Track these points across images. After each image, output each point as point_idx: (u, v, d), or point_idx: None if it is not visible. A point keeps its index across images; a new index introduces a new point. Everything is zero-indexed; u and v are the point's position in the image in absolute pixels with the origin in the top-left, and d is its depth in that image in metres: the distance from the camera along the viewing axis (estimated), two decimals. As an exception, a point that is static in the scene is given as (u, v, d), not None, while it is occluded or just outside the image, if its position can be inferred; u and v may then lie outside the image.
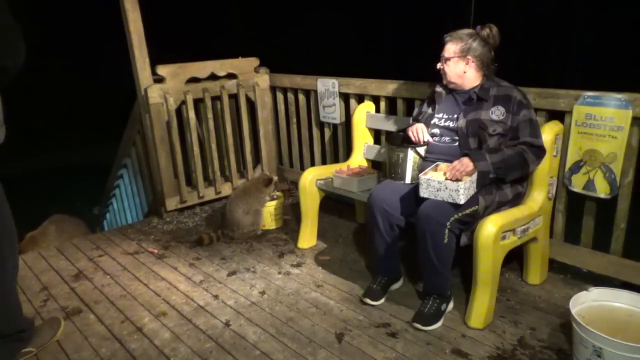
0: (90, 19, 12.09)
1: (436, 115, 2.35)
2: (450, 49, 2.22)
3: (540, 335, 2.04)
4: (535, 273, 2.41)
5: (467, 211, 2.04)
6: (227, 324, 2.22)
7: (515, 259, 2.54)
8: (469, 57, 2.19)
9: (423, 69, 2.87)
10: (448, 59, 2.22)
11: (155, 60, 3.35)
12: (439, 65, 2.28)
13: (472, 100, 2.23)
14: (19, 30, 1.68)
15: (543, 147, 2.15)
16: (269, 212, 3.25)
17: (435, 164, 2.19)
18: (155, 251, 3.04)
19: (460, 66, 2.21)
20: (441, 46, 2.27)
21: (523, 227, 2.16)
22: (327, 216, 3.36)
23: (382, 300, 2.32)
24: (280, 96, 3.83)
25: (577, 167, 2.29)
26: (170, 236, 3.27)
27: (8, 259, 1.88)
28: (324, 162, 3.65)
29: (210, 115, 3.52)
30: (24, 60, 1.72)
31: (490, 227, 2.00)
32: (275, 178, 3.28)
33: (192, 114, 3.42)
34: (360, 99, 3.24)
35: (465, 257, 2.18)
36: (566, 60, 11.02)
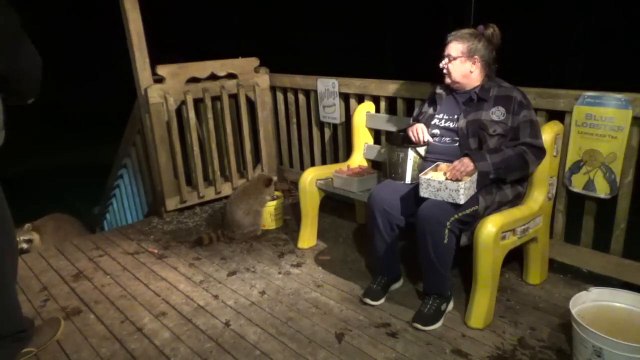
0: (90, 18, 12.10)
1: (436, 116, 2.35)
2: (457, 48, 2.19)
3: (540, 335, 2.04)
4: (535, 273, 2.41)
5: (467, 211, 2.04)
6: (227, 324, 2.22)
7: (515, 259, 2.54)
8: (475, 57, 2.18)
9: (423, 69, 2.88)
10: (454, 58, 2.20)
11: (155, 60, 3.35)
12: (442, 64, 2.24)
13: (473, 100, 2.22)
14: (23, 36, 1.67)
15: (543, 148, 2.14)
16: (269, 212, 3.25)
17: (435, 164, 2.19)
18: (155, 251, 3.04)
19: (467, 66, 2.20)
20: (443, 45, 2.24)
21: (523, 227, 2.16)
22: (327, 216, 3.36)
23: (382, 300, 2.32)
24: (280, 96, 3.83)
25: (577, 167, 2.29)
26: (170, 236, 3.27)
27: (7, 260, 1.88)
28: (324, 162, 3.65)
29: (210, 115, 3.52)
30: (27, 66, 1.70)
31: (490, 227, 2.00)
32: (275, 178, 3.28)
33: (192, 114, 3.42)
34: (360, 99, 3.24)
35: (465, 257, 2.18)
36: (566, 60, 11.02)
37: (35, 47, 1.71)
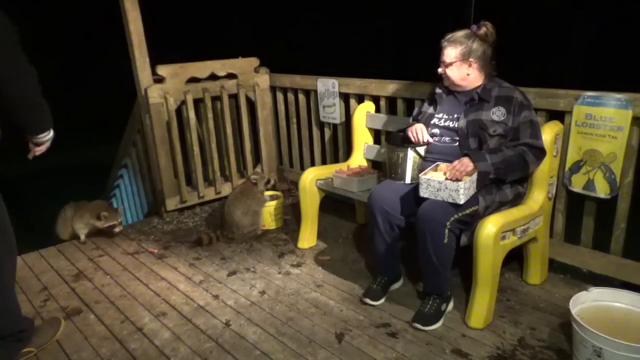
0: (91, 18, 12.10)
1: (436, 116, 2.35)
2: (451, 53, 2.19)
3: (540, 335, 2.04)
4: (535, 273, 2.41)
5: (467, 211, 2.04)
6: (227, 324, 2.22)
7: (515, 259, 2.54)
8: (471, 59, 2.18)
9: (423, 69, 2.87)
10: (450, 64, 2.20)
11: (155, 60, 3.35)
12: (440, 70, 2.26)
13: (474, 100, 2.22)
14: (25, 63, 1.75)
15: (543, 149, 2.15)
16: (269, 212, 3.25)
17: (435, 164, 2.19)
18: (155, 251, 3.04)
19: (463, 70, 2.20)
20: (438, 50, 2.24)
21: (523, 227, 2.16)
22: (327, 216, 3.36)
23: (382, 300, 2.32)
24: (280, 96, 3.83)
25: (577, 167, 2.29)
26: (170, 236, 3.27)
27: (5, 259, 1.88)
28: (324, 162, 3.65)
29: (210, 115, 3.52)
30: (27, 87, 1.78)
31: (490, 227, 2.00)
32: (255, 176, 3.24)
33: (192, 114, 3.42)
34: (360, 99, 3.24)
35: (465, 257, 2.18)
36: (566, 60, 11.01)
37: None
